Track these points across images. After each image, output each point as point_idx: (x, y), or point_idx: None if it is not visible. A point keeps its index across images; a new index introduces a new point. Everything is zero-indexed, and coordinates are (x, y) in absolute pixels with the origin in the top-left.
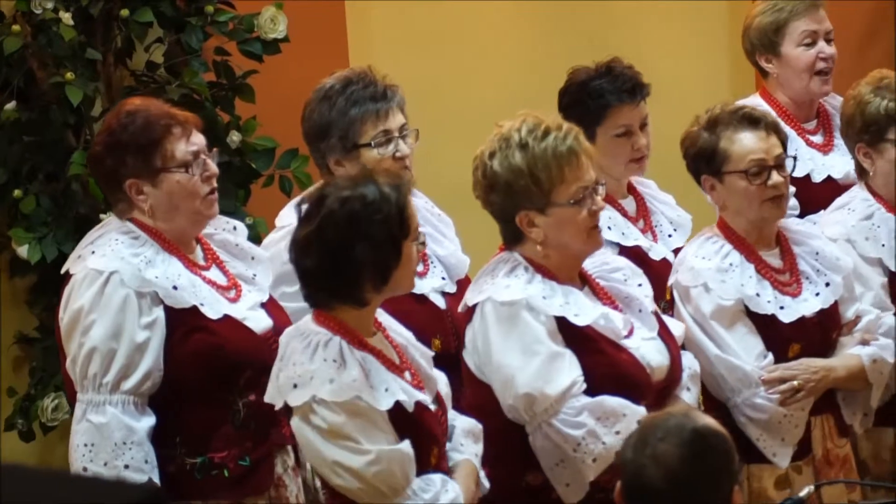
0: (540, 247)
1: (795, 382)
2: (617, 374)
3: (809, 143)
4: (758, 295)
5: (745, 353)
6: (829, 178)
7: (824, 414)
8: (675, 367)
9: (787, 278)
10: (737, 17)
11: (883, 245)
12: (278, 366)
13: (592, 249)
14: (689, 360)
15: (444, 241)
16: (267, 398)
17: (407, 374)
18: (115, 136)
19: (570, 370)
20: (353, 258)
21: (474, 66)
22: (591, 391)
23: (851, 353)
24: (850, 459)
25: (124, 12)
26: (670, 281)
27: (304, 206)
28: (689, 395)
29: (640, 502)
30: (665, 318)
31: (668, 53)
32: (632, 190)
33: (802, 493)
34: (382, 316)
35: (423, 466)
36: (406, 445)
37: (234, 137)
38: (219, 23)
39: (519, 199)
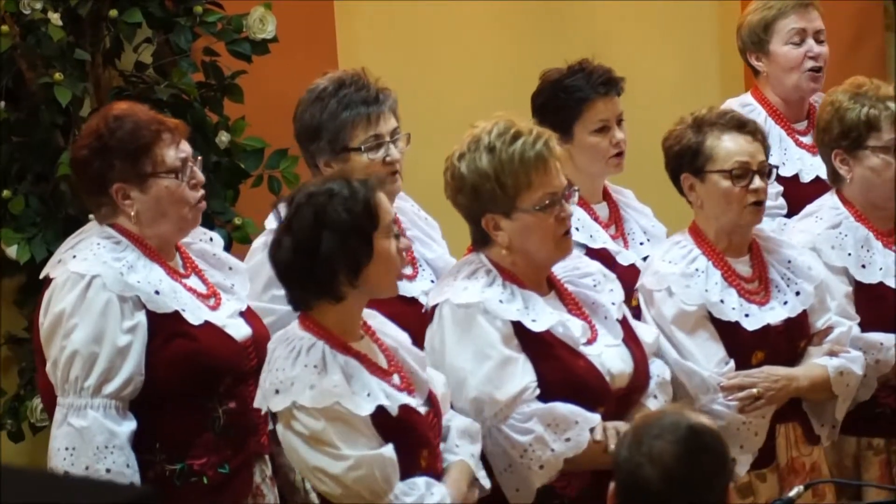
0: (505, 251)
1: (755, 390)
2: (573, 381)
3: (799, 144)
4: (722, 301)
5: (706, 359)
6: (817, 178)
7: (791, 422)
8: (640, 375)
9: (754, 286)
10: (725, 18)
11: (849, 254)
12: (265, 371)
13: (562, 256)
14: (658, 368)
15: (432, 244)
16: (255, 403)
17: (395, 378)
18: (102, 140)
19: (521, 376)
20: (320, 249)
21: (465, 68)
22: (546, 397)
23: (816, 363)
24: (820, 467)
25: (113, 13)
26: (637, 284)
27: (281, 207)
28: (655, 403)
29: (634, 502)
30: (637, 324)
31: (656, 55)
32: (606, 196)
33: (792, 493)
34: (374, 319)
35: (413, 469)
36: (387, 450)
37: (223, 138)
38: (207, 23)
39: (485, 203)
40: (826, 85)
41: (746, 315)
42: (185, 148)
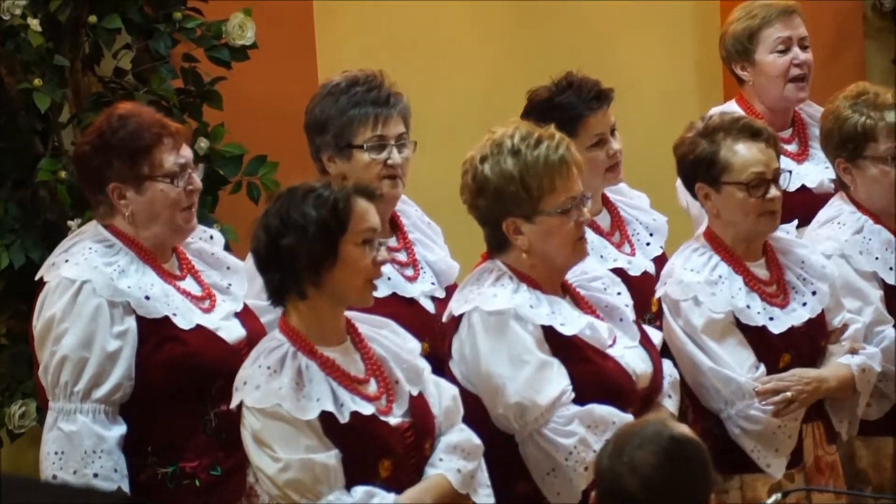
0: (525, 255)
1: (789, 394)
2: (603, 382)
3: (784, 153)
4: (748, 307)
5: (738, 365)
6: (803, 187)
7: (815, 422)
8: (657, 375)
9: (773, 289)
10: (704, 24)
11: (876, 258)
12: None
13: (577, 260)
14: (668, 368)
15: (434, 247)
16: None
17: (371, 386)
18: (104, 138)
19: (558, 379)
20: (283, 244)
21: (446, 72)
22: (578, 399)
23: (841, 363)
24: (837, 466)
25: (92, 19)
26: (658, 293)
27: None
28: (670, 403)
29: None
30: (644, 326)
31: (635, 59)
32: (605, 202)
33: (769, 501)
34: (385, 328)
35: (371, 478)
36: (326, 456)
37: (202, 144)
38: (187, 29)
39: (507, 206)
40: (810, 91)
41: (771, 318)
42: (186, 153)
